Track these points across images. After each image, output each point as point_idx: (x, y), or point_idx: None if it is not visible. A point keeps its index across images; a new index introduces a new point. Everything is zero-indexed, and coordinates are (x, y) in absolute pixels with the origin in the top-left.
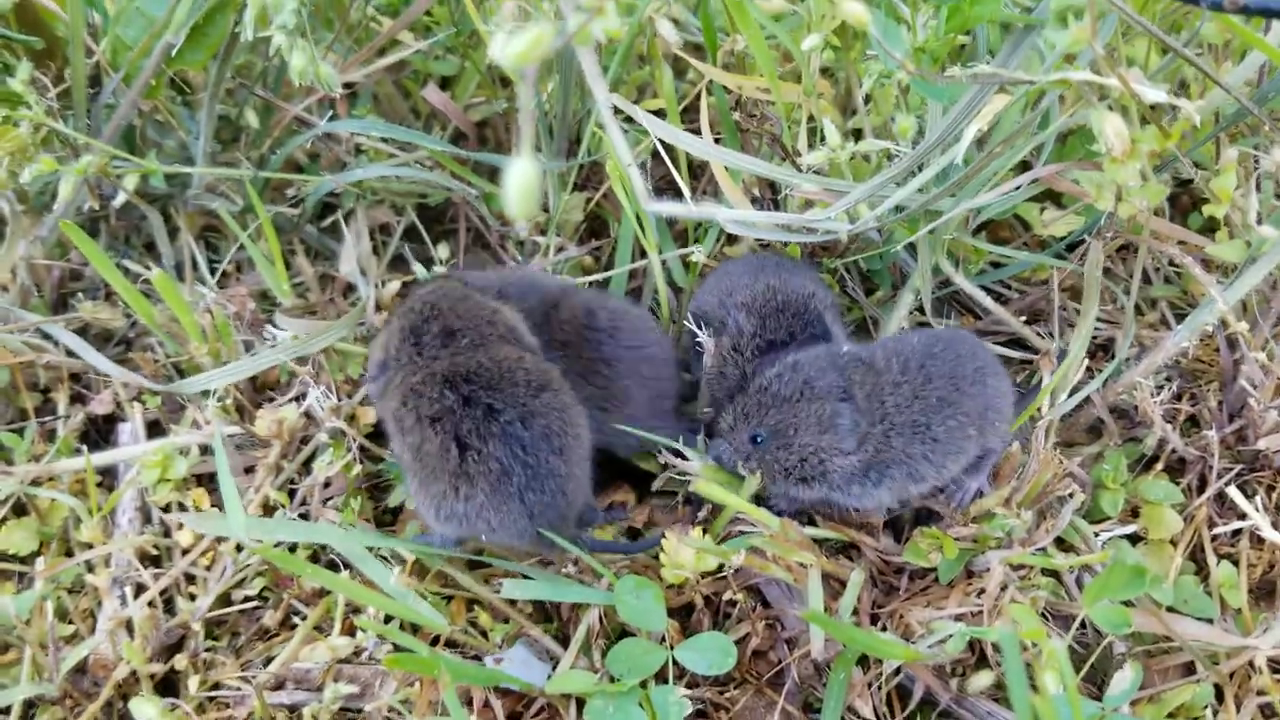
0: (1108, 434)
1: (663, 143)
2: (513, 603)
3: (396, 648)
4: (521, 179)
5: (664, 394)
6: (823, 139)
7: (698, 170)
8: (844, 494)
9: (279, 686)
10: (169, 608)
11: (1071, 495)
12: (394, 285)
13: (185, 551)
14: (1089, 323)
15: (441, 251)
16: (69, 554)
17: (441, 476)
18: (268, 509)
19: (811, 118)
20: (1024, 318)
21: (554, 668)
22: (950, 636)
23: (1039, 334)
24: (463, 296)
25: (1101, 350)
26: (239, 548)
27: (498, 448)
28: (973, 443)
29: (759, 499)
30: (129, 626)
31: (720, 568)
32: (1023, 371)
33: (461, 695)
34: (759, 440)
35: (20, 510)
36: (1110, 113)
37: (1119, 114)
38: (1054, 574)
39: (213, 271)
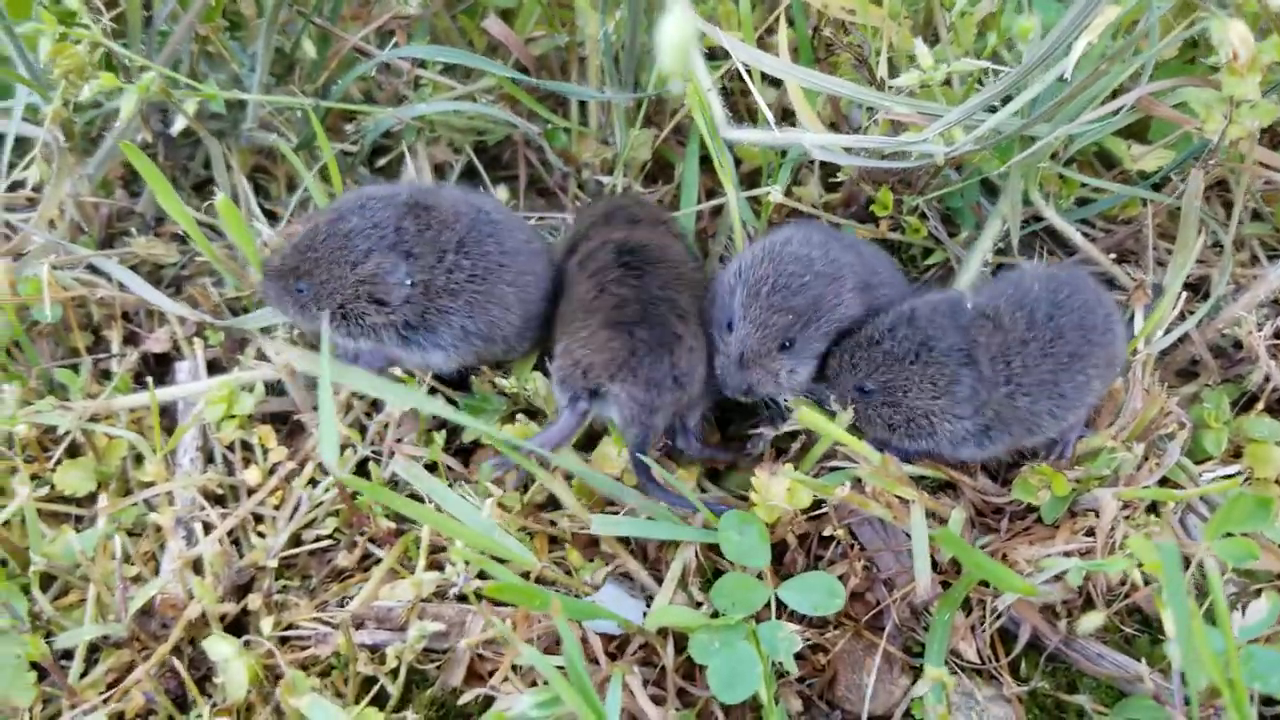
0: (1206, 372)
1: (739, 74)
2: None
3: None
4: (677, 30)
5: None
6: (910, 65)
7: (757, 114)
8: (952, 450)
9: (359, 626)
10: (235, 549)
11: (1173, 435)
12: None
13: (251, 491)
14: (1189, 254)
15: (501, 193)
16: (128, 495)
17: (579, 315)
18: (339, 447)
19: (891, 46)
20: (1112, 256)
21: (647, 603)
22: (1066, 572)
23: (1128, 274)
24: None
25: (1191, 290)
26: (312, 483)
27: (625, 290)
28: (1095, 395)
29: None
30: (196, 566)
31: (813, 506)
32: None
33: (553, 637)
34: (867, 391)
35: (73, 452)
36: (1234, 19)
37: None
38: (1158, 516)
39: (265, 213)
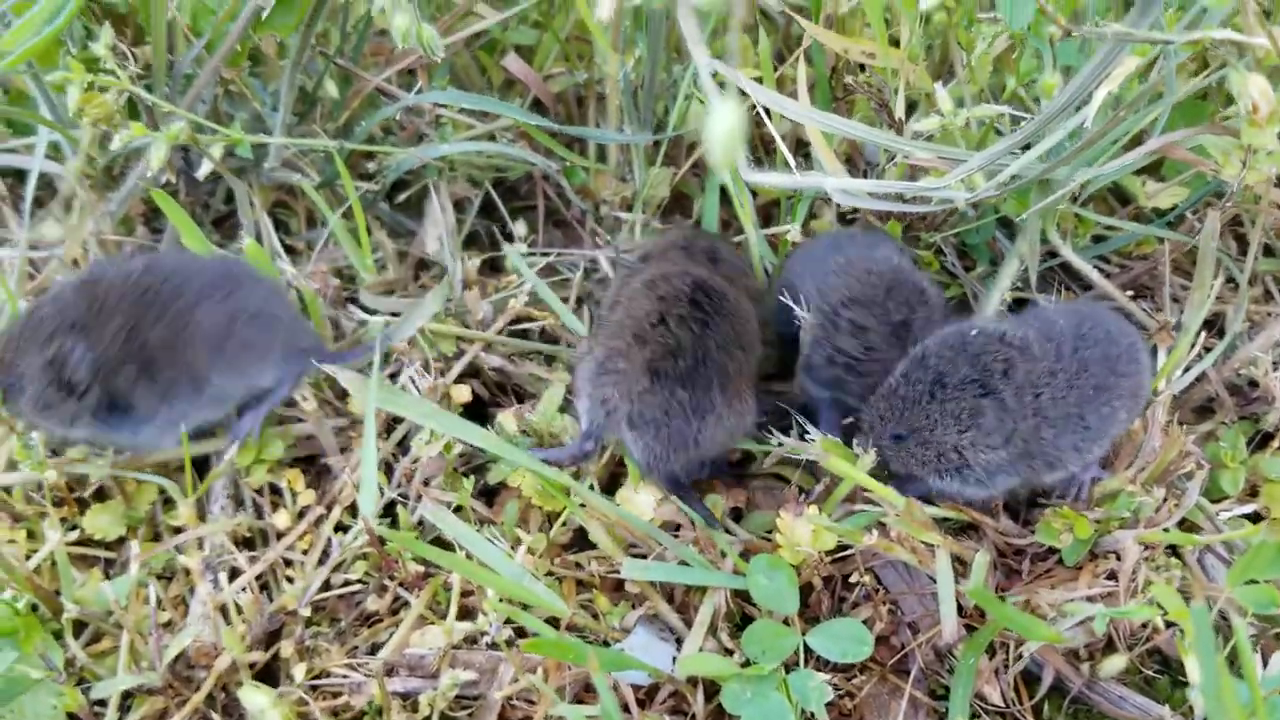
0: (1222, 411)
1: (756, 114)
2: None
3: (517, 633)
4: (726, 124)
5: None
6: (928, 105)
7: (771, 147)
8: (985, 487)
9: (390, 673)
10: (264, 594)
11: (1191, 474)
12: (475, 262)
13: (280, 535)
14: (1205, 293)
15: (520, 228)
16: (156, 539)
17: (627, 335)
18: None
19: (908, 85)
20: (1129, 293)
21: (677, 646)
22: (1090, 618)
23: (1144, 310)
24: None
25: (1206, 326)
26: (341, 527)
27: (684, 334)
28: (1121, 426)
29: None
30: (226, 612)
31: (837, 549)
32: None
33: (583, 683)
34: (901, 438)
35: (100, 495)
36: (1254, 73)
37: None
38: (1177, 555)
39: (286, 250)
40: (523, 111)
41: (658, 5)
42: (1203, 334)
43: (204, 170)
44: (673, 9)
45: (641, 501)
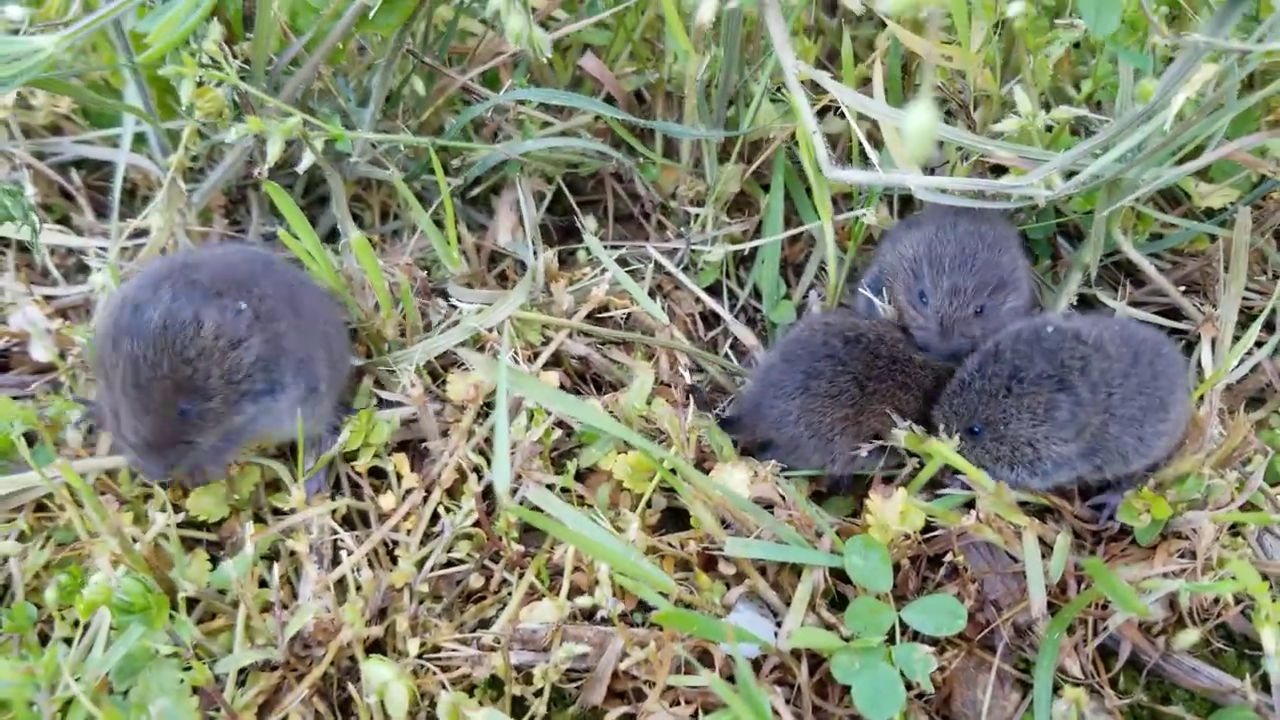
0: (1275, 400)
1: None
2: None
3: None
4: (921, 122)
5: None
6: (991, 104)
7: (834, 140)
8: (1046, 480)
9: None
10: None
11: (1249, 459)
12: (551, 254)
13: (383, 517)
14: (1240, 283)
15: (590, 223)
16: (257, 520)
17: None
18: (462, 473)
19: (975, 87)
20: (1181, 289)
21: (776, 624)
22: (1172, 593)
23: (1195, 306)
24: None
25: (1254, 322)
26: (447, 510)
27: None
28: (1155, 453)
29: None
30: (337, 589)
31: (923, 529)
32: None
33: (695, 653)
34: (976, 431)
35: None
36: None
37: None
38: (1238, 536)
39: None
40: (609, 107)
41: (747, 7)
42: (1249, 328)
43: (305, 163)
44: (758, 12)
45: (735, 479)
